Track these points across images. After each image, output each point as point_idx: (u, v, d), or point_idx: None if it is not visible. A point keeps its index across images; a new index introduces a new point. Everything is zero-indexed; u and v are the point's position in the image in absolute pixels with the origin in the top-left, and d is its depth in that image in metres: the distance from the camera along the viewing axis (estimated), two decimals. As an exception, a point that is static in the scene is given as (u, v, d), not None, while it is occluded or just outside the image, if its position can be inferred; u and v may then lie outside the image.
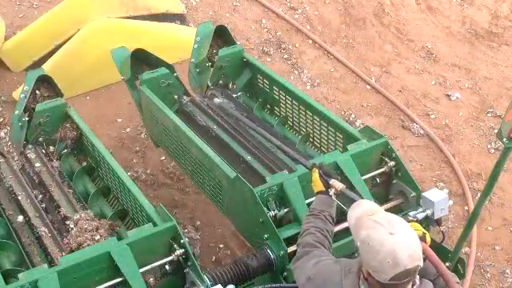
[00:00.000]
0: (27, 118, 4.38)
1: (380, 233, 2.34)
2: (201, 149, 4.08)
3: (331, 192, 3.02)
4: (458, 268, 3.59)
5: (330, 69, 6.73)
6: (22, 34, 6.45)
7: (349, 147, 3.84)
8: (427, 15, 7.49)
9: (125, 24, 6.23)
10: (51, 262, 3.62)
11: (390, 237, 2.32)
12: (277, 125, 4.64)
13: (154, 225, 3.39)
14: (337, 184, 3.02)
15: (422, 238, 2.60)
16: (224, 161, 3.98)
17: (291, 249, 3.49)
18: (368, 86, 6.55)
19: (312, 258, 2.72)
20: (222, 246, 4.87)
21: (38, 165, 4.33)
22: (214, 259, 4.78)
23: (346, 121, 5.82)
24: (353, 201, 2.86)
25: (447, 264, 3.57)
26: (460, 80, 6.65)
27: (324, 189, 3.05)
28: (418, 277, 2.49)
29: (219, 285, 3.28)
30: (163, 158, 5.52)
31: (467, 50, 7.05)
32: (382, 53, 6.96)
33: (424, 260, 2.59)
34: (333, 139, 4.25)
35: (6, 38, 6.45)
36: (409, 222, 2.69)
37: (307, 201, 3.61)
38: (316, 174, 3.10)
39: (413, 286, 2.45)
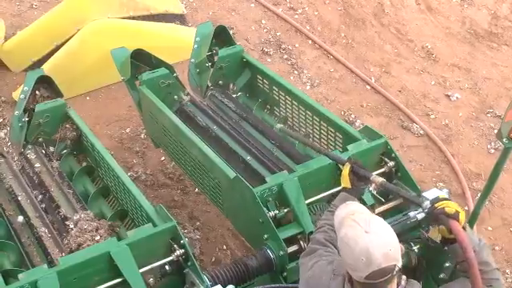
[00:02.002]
0: (27, 119, 4.38)
1: (356, 231, 2.38)
2: (200, 149, 4.09)
3: (371, 187, 3.02)
4: (458, 268, 3.59)
5: (330, 69, 6.73)
6: (22, 35, 6.45)
7: (349, 147, 3.84)
8: (427, 15, 7.49)
9: (125, 24, 6.23)
10: (51, 263, 3.62)
11: (365, 235, 2.35)
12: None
13: (154, 225, 3.39)
14: (377, 178, 3.00)
15: (455, 216, 2.55)
16: (224, 161, 3.99)
17: (291, 249, 3.49)
18: (368, 86, 6.55)
19: (314, 258, 2.75)
20: (221, 246, 4.88)
21: (37, 165, 4.33)
22: (213, 259, 4.78)
23: (346, 121, 5.83)
24: (394, 193, 2.88)
25: (447, 264, 3.57)
26: (460, 80, 6.65)
27: (350, 186, 3.04)
28: (404, 277, 2.50)
29: (219, 285, 3.28)
30: (163, 158, 5.52)
31: (467, 51, 7.05)
32: (382, 53, 6.96)
33: (453, 242, 2.56)
34: (332, 139, 4.25)
35: (6, 39, 6.45)
36: (443, 199, 2.63)
37: (307, 201, 3.62)
38: (347, 170, 3.08)
39: (398, 286, 2.45)
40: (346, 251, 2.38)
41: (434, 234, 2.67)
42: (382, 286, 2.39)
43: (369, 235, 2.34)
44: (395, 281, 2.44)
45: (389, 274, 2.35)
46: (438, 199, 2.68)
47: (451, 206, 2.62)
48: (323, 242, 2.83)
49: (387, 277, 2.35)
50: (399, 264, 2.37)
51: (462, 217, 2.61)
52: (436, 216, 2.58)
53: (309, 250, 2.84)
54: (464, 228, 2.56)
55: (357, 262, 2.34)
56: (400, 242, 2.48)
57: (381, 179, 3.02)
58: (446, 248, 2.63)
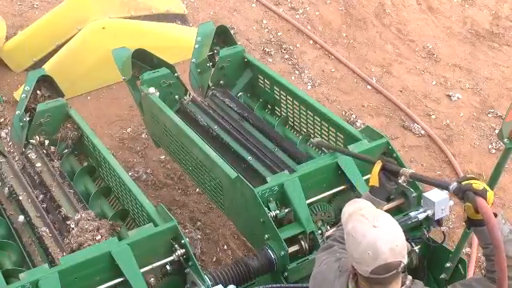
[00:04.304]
0: (28, 118, 4.38)
1: (363, 225, 2.38)
2: (202, 149, 4.09)
3: (401, 180, 2.95)
4: (459, 268, 3.59)
5: (331, 69, 6.73)
6: (23, 34, 6.46)
7: (350, 147, 3.84)
8: (428, 15, 7.49)
9: (126, 24, 6.23)
10: (52, 262, 3.62)
11: (373, 229, 2.35)
12: (278, 125, 4.64)
13: (155, 225, 3.40)
14: (406, 171, 2.91)
15: (482, 194, 2.44)
16: (225, 161, 3.99)
17: (292, 249, 3.50)
18: (369, 87, 6.55)
19: (327, 254, 2.76)
20: (222, 246, 4.88)
21: (38, 165, 4.33)
22: (214, 259, 4.78)
23: (347, 121, 5.82)
24: (423, 181, 2.90)
25: (448, 264, 3.57)
26: (461, 80, 6.65)
27: (378, 185, 2.93)
28: (409, 277, 2.49)
29: (220, 285, 3.28)
30: (164, 158, 5.52)
31: (468, 51, 7.05)
32: (383, 53, 6.96)
33: (482, 225, 2.47)
34: (334, 139, 4.25)
35: (7, 38, 6.46)
36: (470, 178, 2.53)
37: (308, 201, 3.62)
38: (378, 168, 2.95)
39: (402, 285, 2.45)
40: (353, 245, 2.38)
41: (469, 211, 2.50)
42: (386, 282, 2.39)
43: (376, 230, 2.34)
44: (400, 279, 2.43)
45: (394, 269, 2.35)
46: (465, 177, 2.57)
47: (479, 184, 2.50)
48: (339, 240, 2.83)
49: (392, 273, 2.35)
50: (405, 261, 2.37)
51: (491, 196, 2.48)
52: (462, 192, 2.47)
53: (326, 246, 2.86)
54: (495, 215, 2.44)
55: (363, 255, 2.34)
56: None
57: (410, 170, 2.94)
58: (469, 230, 2.53)
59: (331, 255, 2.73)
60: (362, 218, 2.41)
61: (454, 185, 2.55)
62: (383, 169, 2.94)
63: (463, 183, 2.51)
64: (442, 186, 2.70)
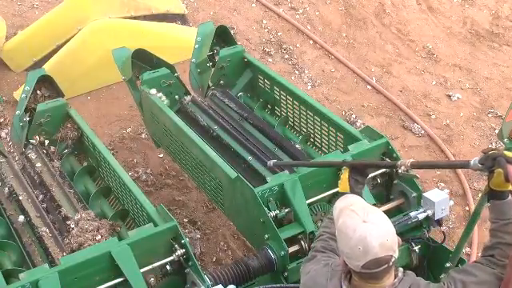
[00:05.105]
0: (28, 118, 4.39)
1: (354, 220, 2.39)
2: (201, 149, 4.09)
3: (400, 170, 2.92)
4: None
5: (331, 69, 6.73)
6: (23, 34, 6.46)
7: (350, 147, 3.84)
8: (428, 15, 7.49)
9: (126, 24, 6.23)
10: (52, 262, 3.62)
11: (363, 224, 2.36)
12: (278, 125, 4.64)
13: (155, 225, 3.40)
14: (405, 161, 2.86)
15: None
16: (225, 161, 3.99)
17: (292, 249, 3.50)
18: (369, 87, 6.55)
19: (312, 264, 2.76)
20: (222, 246, 4.88)
21: (38, 165, 4.33)
22: (214, 259, 4.78)
23: (347, 121, 5.82)
24: (429, 167, 2.77)
25: (448, 264, 3.57)
26: (461, 80, 6.65)
27: (349, 191, 2.92)
28: (401, 270, 2.50)
29: (220, 285, 3.28)
30: (164, 158, 5.52)
31: (468, 51, 7.05)
32: (383, 53, 6.96)
33: (504, 198, 2.46)
34: (333, 139, 4.25)
35: (7, 38, 6.46)
36: (493, 150, 2.48)
37: (308, 201, 3.62)
38: (346, 174, 2.95)
39: (395, 278, 2.46)
40: (344, 240, 2.40)
41: (498, 178, 2.42)
42: (378, 277, 2.41)
43: (366, 224, 2.35)
44: (392, 272, 2.45)
45: (385, 264, 2.36)
46: (490, 149, 2.54)
47: (509, 153, 2.44)
48: (323, 250, 2.83)
49: (383, 267, 2.36)
50: (395, 255, 2.39)
51: None
52: (492, 159, 2.42)
53: (309, 257, 2.85)
54: None
55: (353, 250, 2.35)
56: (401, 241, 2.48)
57: (409, 160, 2.89)
58: (488, 203, 2.51)
59: (316, 264, 2.73)
60: (352, 213, 2.42)
61: (476, 158, 2.49)
62: (353, 169, 2.94)
63: (491, 152, 2.46)
64: (459, 165, 2.64)
